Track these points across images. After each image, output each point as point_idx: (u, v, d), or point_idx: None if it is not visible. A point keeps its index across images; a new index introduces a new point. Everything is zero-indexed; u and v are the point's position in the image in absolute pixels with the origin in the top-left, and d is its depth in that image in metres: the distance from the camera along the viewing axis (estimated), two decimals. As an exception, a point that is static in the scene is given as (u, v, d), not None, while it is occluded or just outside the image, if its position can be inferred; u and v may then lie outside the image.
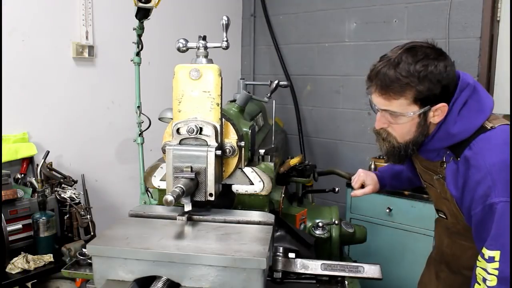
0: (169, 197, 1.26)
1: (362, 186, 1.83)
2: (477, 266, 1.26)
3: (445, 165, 1.39)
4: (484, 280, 1.22)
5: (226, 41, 1.53)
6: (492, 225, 1.22)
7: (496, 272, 1.20)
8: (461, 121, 1.30)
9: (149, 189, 2.18)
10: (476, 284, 1.26)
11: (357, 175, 1.86)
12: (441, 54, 1.30)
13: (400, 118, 1.32)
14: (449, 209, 1.46)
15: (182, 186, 1.34)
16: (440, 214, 1.56)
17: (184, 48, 1.53)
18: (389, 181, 1.84)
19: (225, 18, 1.56)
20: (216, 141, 1.47)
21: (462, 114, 1.31)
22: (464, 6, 2.91)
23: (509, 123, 1.33)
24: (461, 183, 1.32)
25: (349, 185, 3.02)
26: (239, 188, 1.60)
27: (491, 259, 1.21)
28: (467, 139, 1.30)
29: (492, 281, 1.20)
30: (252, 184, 1.59)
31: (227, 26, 1.56)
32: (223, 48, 1.54)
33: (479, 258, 1.26)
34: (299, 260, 1.55)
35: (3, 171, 2.15)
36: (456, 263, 1.52)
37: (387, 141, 1.39)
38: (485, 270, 1.23)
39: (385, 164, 2.08)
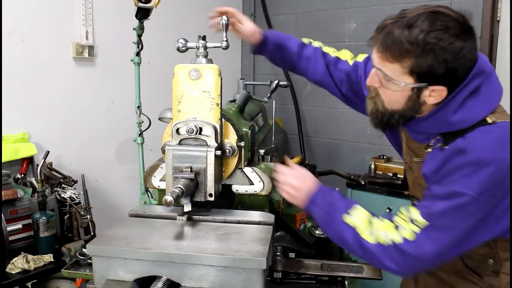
0: (168, 198, 1.26)
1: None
2: (401, 213, 1.22)
3: (430, 149, 1.29)
4: (402, 227, 1.19)
5: (226, 41, 1.53)
6: (443, 206, 1.15)
7: (414, 236, 1.17)
8: (463, 111, 1.19)
9: (149, 189, 2.17)
10: (391, 224, 1.22)
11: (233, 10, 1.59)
12: (466, 33, 1.14)
13: (391, 84, 1.20)
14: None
15: (181, 187, 1.34)
16: (414, 202, 1.47)
17: (184, 48, 1.53)
18: (273, 46, 1.63)
19: (225, 18, 1.56)
20: (216, 141, 1.47)
21: (467, 103, 1.19)
22: (464, 6, 2.89)
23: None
24: (439, 165, 1.22)
25: (349, 185, 3.03)
26: (239, 188, 1.60)
27: (414, 221, 1.18)
28: (464, 129, 1.19)
29: (410, 234, 1.18)
30: (252, 184, 1.59)
31: (226, 26, 1.56)
32: (223, 48, 1.54)
33: (411, 209, 1.21)
34: (299, 260, 1.55)
35: (3, 171, 2.15)
36: None
37: (374, 101, 1.29)
38: (407, 221, 1.19)
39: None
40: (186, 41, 1.53)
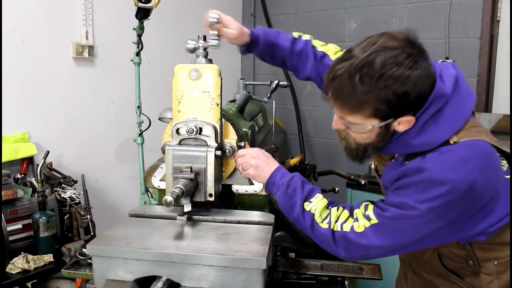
0: (168, 198, 1.26)
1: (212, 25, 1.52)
2: (361, 209, 1.28)
3: (392, 160, 1.35)
4: (356, 219, 1.25)
5: (216, 39, 1.51)
6: (394, 213, 1.20)
7: (363, 228, 1.23)
8: (424, 135, 1.20)
9: (149, 189, 2.17)
10: (350, 214, 1.28)
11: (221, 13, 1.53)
12: (416, 61, 1.12)
13: (358, 128, 1.21)
14: None
15: (181, 187, 1.34)
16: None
17: (192, 48, 1.51)
18: (264, 45, 1.60)
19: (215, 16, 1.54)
20: (216, 141, 1.47)
21: (427, 127, 1.19)
22: (464, 6, 2.91)
23: (483, 137, 1.21)
24: (396, 177, 1.25)
25: (349, 185, 3.03)
26: (239, 188, 1.60)
27: (367, 218, 1.24)
28: (427, 150, 1.20)
29: (360, 227, 1.24)
30: (252, 184, 1.59)
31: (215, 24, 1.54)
32: (214, 47, 1.52)
33: (369, 207, 1.26)
34: (299, 260, 1.55)
35: (3, 171, 2.15)
36: (417, 264, 1.51)
37: (345, 140, 1.31)
38: (361, 215, 1.25)
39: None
40: (195, 41, 1.51)
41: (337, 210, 1.31)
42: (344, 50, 1.54)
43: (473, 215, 1.24)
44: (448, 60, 1.32)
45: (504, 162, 1.31)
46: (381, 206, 1.24)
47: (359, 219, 1.26)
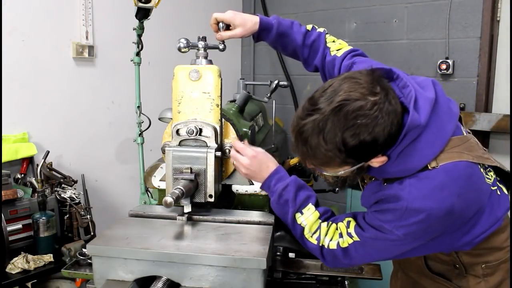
0: (168, 199, 1.26)
1: (228, 27, 1.54)
2: (344, 224, 1.31)
3: (372, 180, 1.36)
4: (341, 235, 1.30)
5: (223, 43, 1.53)
6: (373, 234, 1.24)
7: (347, 244, 1.28)
8: (401, 164, 1.19)
9: (149, 189, 2.17)
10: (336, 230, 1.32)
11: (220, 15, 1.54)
12: (381, 108, 1.07)
13: (330, 173, 1.24)
14: None
15: (181, 188, 1.34)
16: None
17: (186, 49, 1.52)
18: (276, 35, 1.58)
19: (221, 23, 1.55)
20: (216, 142, 1.47)
21: (403, 157, 1.18)
22: (464, 6, 2.91)
23: (464, 158, 1.20)
24: (374, 200, 1.28)
25: (349, 185, 3.02)
26: (239, 188, 1.60)
27: (349, 235, 1.28)
28: (404, 176, 1.21)
29: (344, 243, 1.29)
30: (252, 184, 1.59)
31: (223, 28, 1.55)
32: (220, 50, 1.54)
33: (351, 224, 1.30)
34: (299, 260, 1.55)
35: (3, 171, 2.15)
36: (404, 265, 1.53)
37: (324, 176, 1.33)
38: (345, 232, 1.29)
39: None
40: (188, 40, 1.52)
41: (327, 225, 1.34)
42: (347, 47, 1.54)
43: (456, 230, 1.26)
44: (430, 78, 1.27)
45: (491, 173, 1.32)
46: (362, 225, 1.28)
47: (343, 235, 1.30)
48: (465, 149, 1.22)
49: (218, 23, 1.52)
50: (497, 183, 1.34)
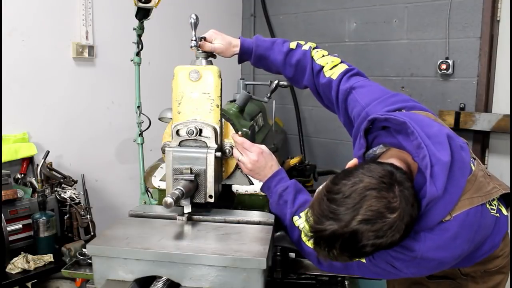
0: (168, 200, 1.26)
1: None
2: None
3: None
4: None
5: (195, 40, 1.52)
6: (383, 267, 1.27)
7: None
8: (416, 226, 1.18)
9: (149, 189, 2.17)
10: None
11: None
12: (402, 218, 1.09)
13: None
14: None
15: (181, 188, 1.34)
16: None
17: (196, 20, 1.50)
18: (255, 59, 1.62)
19: (193, 16, 1.53)
20: (216, 142, 1.47)
21: (417, 224, 1.18)
22: (464, 6, 2.91)
23: (475, 202, 1.21)
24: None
25: None
26: (239, 188, 1.60)
27: None
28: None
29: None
30: (252, 184, 1.59)
31: (195, 24, 1.54)
32: (191, 47, 1.52)
33: None
34: (299, 260, 1.55)
35: (3, 171, 2.15)
36: None
37: None
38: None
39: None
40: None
41: None
42: (341, 64, 1.50)
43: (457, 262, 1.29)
44: (448, 132, 1.24)
45: (494, 202, 1.30)
46: (373, 254, 1.24)
47: None
48: (475, 192, 1.22)
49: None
50: (498, 206, 1.33)
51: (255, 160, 1.44)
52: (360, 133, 1.31)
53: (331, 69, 1.50)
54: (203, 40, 1.52)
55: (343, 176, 1.13)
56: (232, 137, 1.52)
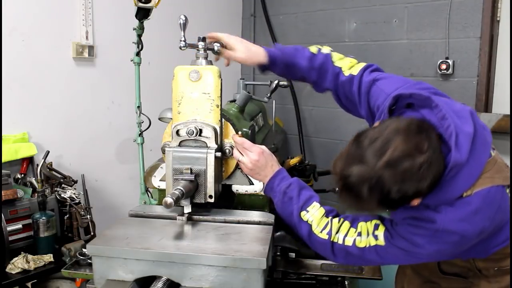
0: (168, 200, 1.26)
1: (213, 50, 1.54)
2: (368, 224, 1.31)
3: None
4: (360, 233, 1.30)
5: (184, 41, 1.52)
6: (402, 245, 1.25)
7: (365, 244, 1.28)
8: (436, 197, 1.20)
9: (149, 189, 2.17)
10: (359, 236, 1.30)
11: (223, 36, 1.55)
12: (429, 166, 1.10)
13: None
14: None
15: (181, 188, 1.34)
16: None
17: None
18: (282, 66, 1.59)
19: (182, 17, 1.53)
20: (216, 142, 1.47)
21: (439, 191, 1.19)
22: (464, 6, 2.91)
23: (495, 182, 1.22)
24: (408, 216, 1.27)
25: None
26: (239, 188, 1.60)
27: (375, 237, 1.28)
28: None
29: (362, 243, 1.29)
30: (252, 184, 1.59)
31: (184, 25, 1.54)
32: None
33: (380, 227, 1.29)
34: (299, 260, 1.55)
35: (3, 171, 2.15)
36: (417, 264, 1.54)
37: None
38: (370, 233, 1.29)
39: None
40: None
41: (338, 221, 1.33)
42: (359, 63, 1.50)
43: (476, 244, 1.27)
44: (466, 106, 1.27)
45: (508, 190, 1.31)
46: (392, 233, 1.27)
47: (362, 234, 1.29)
48: (495, 173, 1.24)
49: (213, 40, 1.53)
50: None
51: (255, 160, 1.44)
52: (384, 111, 1.31)
53: (349, 68, 1.51)
54: (221, 46, 1.52)
55: (370, 127, 1.18)
56: (232, 138, 1.52)
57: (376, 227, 1.30)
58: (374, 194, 1.12)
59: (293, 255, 1.59)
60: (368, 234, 1.28)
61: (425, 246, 1.22)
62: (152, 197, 2.16)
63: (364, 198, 1.12)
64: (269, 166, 1.45)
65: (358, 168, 1.12)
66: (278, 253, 1.56)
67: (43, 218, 2.17)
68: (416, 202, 1.18)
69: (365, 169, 1.11)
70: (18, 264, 2.04)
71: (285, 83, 2.32)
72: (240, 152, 1.49)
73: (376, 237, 1.27)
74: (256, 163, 1.44)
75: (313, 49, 1.57)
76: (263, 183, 1.51)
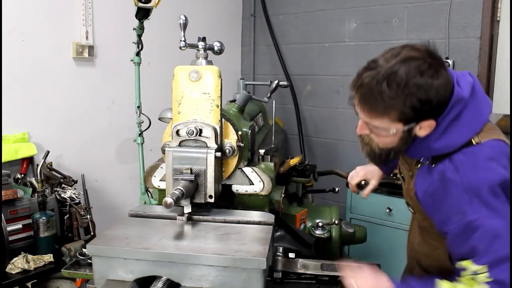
0: (168, 200, 1.26)
1: (360, 185, 1.82)
2: (462, 278, 1.20)
3: (419, 165, 1.37)
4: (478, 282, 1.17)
5: (184, 41, 1.52)
6: (472, 242, 1.18)
7: (489, 279, 1.15)
8: (445, 138, 1.24)
9: (149, 189, 2.18)
10: None
11: (354, 172, 1.84)
12: (437, 70, 1.18)
13: (382, 132, 1.26)
14: (415, 206, 1.45)
15: (181, 188, 1.34)
16: (409, 208, 1.54)
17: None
18: (387, 166, 1.73)
19: (182, 17, 1.55)
20: (216, 142, 1.47)
21: (449, 130, 1.23)
22: (464, 6, 2.91)
23: (502, 137, 1.27)
24: (432, 191, 1.28)
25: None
26: (239, 188, 1.61)
27: (477, 271, 1.17)
28: (449, 152, 1.25)
29: (487, 279, 1.16)
30: (252, 184, 1.59)
31: (184, 25, 1.55)
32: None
33: (463, 273, 1.20)
34: (299, 260, 1.55)
35: (3, 171, 2.15)
36: (426, 261, 1.52)
37: (369, 145, 1.36)
38: (474, 280, 1.17)
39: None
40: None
41: (465, 284, 1.19)
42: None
43: None
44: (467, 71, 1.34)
45: None
46: (464, 252, 1.20)
47: (478, 280, 1.17)
48: (500, 133, 1.29)
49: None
50: None
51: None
52: None
53: None
54: (364, 182, 1.82)
55: None
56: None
57: (464, 268, 1.19)
58: (394, 91, 1.16)
59: (293, 255, 1.59)
60: (472, 279, 1.17)
61: (477, 214, 1.17)
62: (152, 197, 2.16)
63: (385, 96, 1.16)
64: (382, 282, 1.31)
65: (373, 71, 1.19)
66: (278, 253, 1.56)
67: (43, 218, 2.17)
68: (426, 125, 1.21)
69: (380, 69, 1.18)
70: (18, 264, 2.04)
71: (285, 83, 2.32)
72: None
73: (476, 272, 1.17)
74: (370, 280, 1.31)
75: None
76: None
